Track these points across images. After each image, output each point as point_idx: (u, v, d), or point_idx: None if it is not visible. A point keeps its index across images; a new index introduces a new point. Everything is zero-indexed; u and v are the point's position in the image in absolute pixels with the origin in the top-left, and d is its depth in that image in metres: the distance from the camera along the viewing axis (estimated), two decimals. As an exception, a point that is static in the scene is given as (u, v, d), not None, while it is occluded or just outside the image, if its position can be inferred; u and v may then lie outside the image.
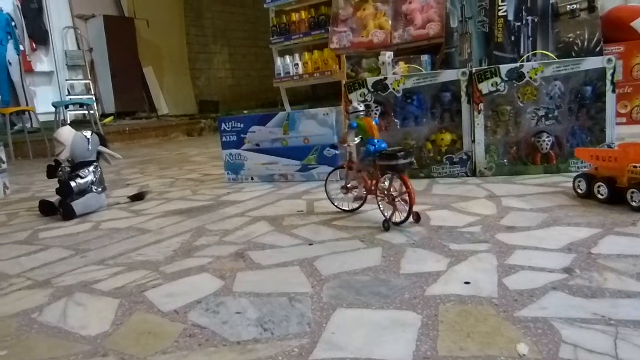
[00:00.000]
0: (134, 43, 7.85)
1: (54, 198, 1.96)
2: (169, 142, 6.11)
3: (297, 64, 4.58)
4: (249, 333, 0.82)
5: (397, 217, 1.31)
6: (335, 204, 1.57)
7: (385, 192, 1.33)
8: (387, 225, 1.30)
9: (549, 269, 0.96)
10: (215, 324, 0.86)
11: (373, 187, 1.38)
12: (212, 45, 9.32)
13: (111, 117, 7.29)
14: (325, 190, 1.61)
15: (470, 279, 0.94)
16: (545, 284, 0.89)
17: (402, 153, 1.26)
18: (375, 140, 1.35)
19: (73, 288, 1.11)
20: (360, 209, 1.55)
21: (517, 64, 1.89)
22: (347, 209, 1.55)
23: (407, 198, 1.26)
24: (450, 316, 0.80)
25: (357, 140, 1.41)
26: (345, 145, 1.44)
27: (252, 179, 2.27)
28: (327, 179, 1.60)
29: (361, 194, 1.47)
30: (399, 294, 0.90)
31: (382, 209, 1.35)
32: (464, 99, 1.91)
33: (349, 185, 1.49)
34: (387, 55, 2.78)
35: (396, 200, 1.30)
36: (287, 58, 4.67)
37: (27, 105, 5.98)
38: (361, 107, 1.40)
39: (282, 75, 4.65)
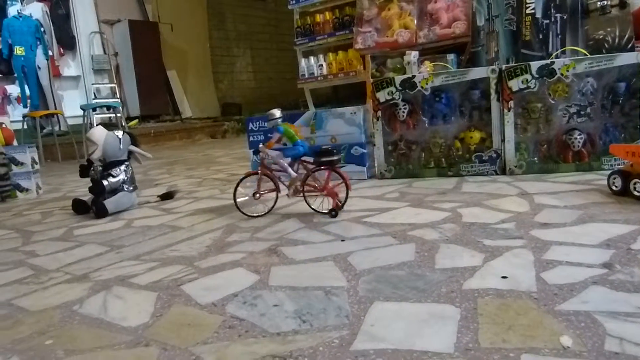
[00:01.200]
0: (158, 47, 7.99)
1: (87, 197, 2.01)
2: (194, 145, 6.19)
3: (322, 65, 4.59)
4: (288, 325, 0.82)
5: (329, 206, 1.52)
6: (244, 210, 1.66)
7: (317, 186, 1.52)
8: (335, 212, 1.50)
9: (588, 264, 0.94)
10: (254, 315, 0.87)
11: (300, 186, 1.54)
12: (235, 49, 9.42)
13: (136, 121, 7.42)
14: (235, 198, 1.68)
15: (508, 274, 0.93)
16: (585, 278, 0.88)
17: (335, 150, 1.50)
18: (300, 142, 1.56)
19: (111, 282, 1.14)
20: (389, 208, 1.55)
21: (548, 61, 1.87)
22: (257, 215, 1.66)
23: (342, 188, 1.49)
24: (490, 309, 0.80)
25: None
26: (264, 151, 1.60)
27: (279, 178, 2.28)
28: (237, 187, 1.67)
29: (298, 188, 1.57)
30: (436, 288, 0.90)
31: (309, 203, 1.57)
32: (493, 96, 1.89)
33: (261, 192, 1.63)
34: (413, 55, 2.77)
35: (335, 190, 1.50)
36: (312, 59, 4.69)
37: (55, 109, 6.13)
38: (278, 114, 1.55)
39: (306, 76, 4.67)
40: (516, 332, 0.72)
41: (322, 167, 1.50)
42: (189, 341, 0.81)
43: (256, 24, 9.59)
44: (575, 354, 0.65)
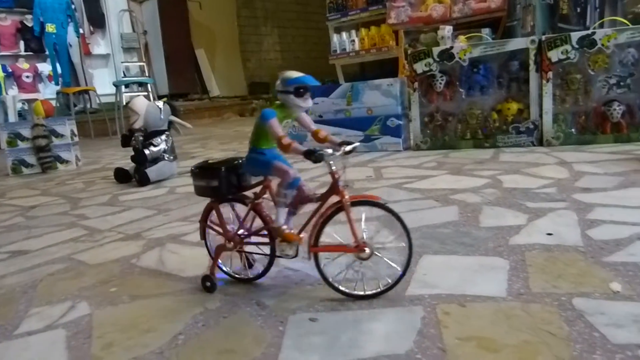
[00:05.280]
0: (187, 25, 8.02)
1: (128, 167, 2.07)
2: (223, 122, 6.27)
3: (354, 41, 4.56)
4: (342, 274, 0.86)
5: None
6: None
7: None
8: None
9: (632, 222, 0.96)
10: (308, 267, 0.90)
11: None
12: (263, 27, 9.41)
13: (165, 99, 7.52)
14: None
15: (553, 231, 0.96)
16: (630, 235, 0.90)
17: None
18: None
19: (164, 240, 1.20)
20: (427, 176, 1.56)
21: (589, 31, 1.84)
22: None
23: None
24: (539, 261, 0.83)
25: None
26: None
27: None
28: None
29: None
30: (483, 243, 0.93)
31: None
32: (532, 67, 1.88)
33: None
34: (447, 30, 2.75)
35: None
36: (344, 34, 4.66)
37: (86, 86, 6.25)
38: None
39: (338, 52, 4.66)
40: (566, 280, 0.75)
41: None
42: (248, 287, 0.86)
43: (284, 2, 9.54)
44: (625, 297, 0.68)
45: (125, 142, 2.11)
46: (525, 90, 1.90)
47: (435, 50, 2.02)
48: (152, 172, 1.99)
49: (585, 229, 0.96)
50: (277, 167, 0.77)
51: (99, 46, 7.74)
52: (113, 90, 5.97)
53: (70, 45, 6.31)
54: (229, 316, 0.77)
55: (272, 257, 0.83)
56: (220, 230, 0.86)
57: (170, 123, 2.11)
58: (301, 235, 0.79)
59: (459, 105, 2.02)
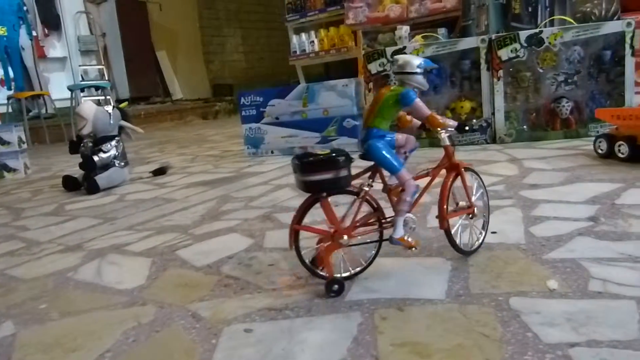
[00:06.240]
0: (147, 27, 7.86)
1: (77, 174, 2.00)
2: (185, 126, 6.15)
3: (313, 41, 4.55)
4: (283, 281, 0.84)
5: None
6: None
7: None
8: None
9: (574, 218, 0.97)
10: (249, 274, 0.89)
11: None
12: (226, 29, 9.30)
13: (126, 103, 7.31)
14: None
15: (497, 229, 0.95)
16: (572, 230, 0.90)
17: None
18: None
19: (105, 250, 1.14)
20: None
21: (537, 30, 1.87)
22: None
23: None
24: (480, 260, 0.82)
25: None
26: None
27: (272, 152, 2.30)
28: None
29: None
30: (428, 244, 0.92)
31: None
32: (483, 66, 1.90)
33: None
34: (404, 30, 2.76)
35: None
36: (303, 35, 4.64)
37: (41, 90, 6.03)
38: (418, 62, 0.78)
39: (298, 53, 4.63)
40: (505, 279, 0.74)
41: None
42: (185, 299, 0.82)
43: (246, 2, 9.45)
44: (561, 294, 0.68)
45: (74, 148, 2.03)
46: (478, 88, 1.92)
47: (389, 50, 2.02)
48: (101, 179, 1.92)
49: (529, 226, 0.96)
50: (403, 175, 0.77)
51: (55, 49, 7.49)
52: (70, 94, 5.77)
53: (23, 49, 6.08)
54: (161, 330, 0.73)
55: (380, 244, 0.81)
56: (327, 227, 0.79)
57: (121, 128, 2.05)
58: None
59: (413, 104, 2.02)
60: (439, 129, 0.80)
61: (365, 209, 0.79)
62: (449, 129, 0.81)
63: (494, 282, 0.74)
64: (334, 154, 0.74)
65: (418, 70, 0.75)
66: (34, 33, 6.18)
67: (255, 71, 9.59)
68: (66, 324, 0.79)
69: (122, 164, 2.02)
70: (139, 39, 7.67)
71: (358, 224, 0.78)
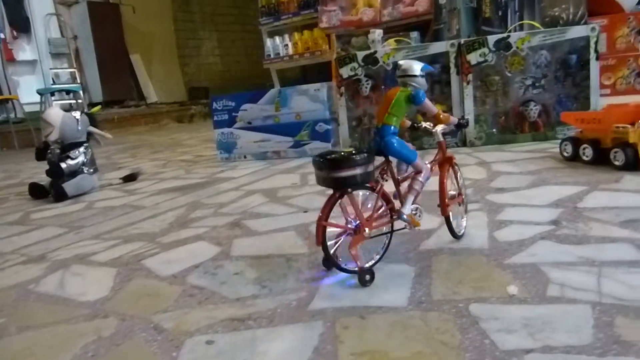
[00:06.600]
0: (120, 30, 7.74)
1: (45, 181, 1.95)
2: (160, 129, 6.08)
3: (287, 45, 4.55)
4: (248, 290, 0.83)
5: None
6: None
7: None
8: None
9: (537, 222, 0.98)
10: (214, 284, 0.88)
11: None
12: (201, 32, 9.23)
13: (99, 107, 7.18)
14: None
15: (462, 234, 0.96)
16: (534, 234, 0.92)
17: None
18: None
19: (69, 261, 1.12)
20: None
21: (505, 34, 1.91)
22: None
23: None
24: (443, 266, 0.83)
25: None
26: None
27: (245, 157, 2.28)
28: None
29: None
30: (394, 250, 0.92)
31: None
32: (453, 70, 1.93)
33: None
34: (377, 33, 2.78)
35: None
36: (277, 39, 4.64)
37: (10, 95, 5.89)
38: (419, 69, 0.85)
39: (272, 56, 4.62)
40: (466, 285, 0.75)
41: None
42: (148, 311, 0.81)
43: (222, 5, 9.39)
44: (520, 300, 0.68)
45: (40, 155, 1.98)
46: (448, 92, 1.94)
47: (360, 55, 2.03)
48: (69, 186, 1.88)
49: (493, 230, 0.97)
50: (419, 163, 0.85)
51: (24, 52, 7.31)
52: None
53: (-10, 51, 5.93)
54: (122, 343, 0.72)
55: (392, 235, 0.86)
56: (351, 220, 0.82)
57: (90, 134, 2.01)
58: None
59: (385, 108, 2.03)
60: (439, 125, 0.92)
61: (379, 202, 0.83)
62: (452, 124, 0.93)
63: (456, 289, 0.74)
64: (360, 151, 0.78)
65: (420, 73, 0.83)
66: (2, 35, 6.03)
67: (232, 74, 9.53)
68: (24, 339, 0.77)
69: (91, 170, 1.98)
70: (112, 41, 7.55)
71: (376, 217, 0.82)
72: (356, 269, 0.80)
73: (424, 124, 0.93)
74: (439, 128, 0.93)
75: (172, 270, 0.97)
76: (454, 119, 0.93)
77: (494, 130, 1.93)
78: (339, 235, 0.82)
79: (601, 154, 1.37)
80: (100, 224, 1.44)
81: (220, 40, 9.53)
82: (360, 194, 0.82)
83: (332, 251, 0.80)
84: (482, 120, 1.93)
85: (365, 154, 0.78)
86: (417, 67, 0.83)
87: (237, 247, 1.07)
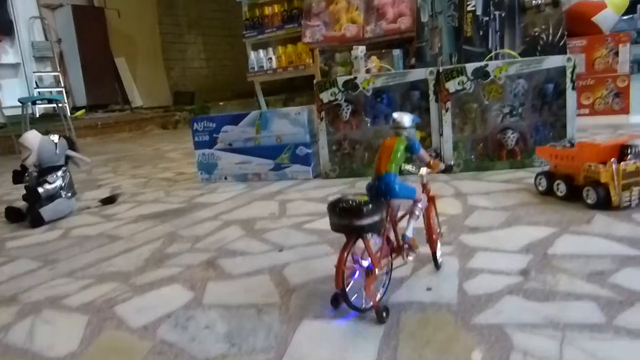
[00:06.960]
0: (104, 34, 7.67)
1: (22, 203, 1.93)
2: (144, 136, 6.02)
3: (271, 58, 4.56)
4: (217, 349, 0.83)
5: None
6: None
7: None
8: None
9: (507, 271, 1.00)
10: (184, 340, 0.88)
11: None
12: (187, 35, 9.18)
13: (82, 111, 7.14)
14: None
15: (432, 285, 0.97)
16: (502, 287, 0.93)
17: None
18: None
19: (41, 304, 1.11)
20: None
21: (483, 63, 1.93)
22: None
23: None
24: (412, 324, 0.83)
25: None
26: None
27: (225, 178, 2.28)
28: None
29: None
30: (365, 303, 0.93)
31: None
32: (432, 97, 1.94)
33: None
34: (360, 50, 2.79)
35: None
36: (261, 52, 4.65)
37: (-9, 99, 5.80)
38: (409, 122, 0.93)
39: (256, 69, 4.62)
40: (432, 348, 0.76)
41: None
42: (117, 368, 0.80)
43: (208, 9, 9.34)
44: (482, 371, 0.69)
45: (17, 178, 1.96)
46: (427, 119, 1.96)
47: (340, 80, 2.03)
48: (46, 211, 1.86)
49: (463, 281, 0.98)
50: (419, 192, 0.98)
51: (7, 55, 7.22)
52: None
53: (-28, 55, 5.84)
54: (87, 411, 0.71)
55: (391, 272, 0.95)
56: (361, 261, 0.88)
57: (68, 157, 1.99)
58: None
59: (365, 133, 2.05)
60: (423, 169, 1.03)
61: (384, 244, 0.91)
62: (440, 169, 1.05)
63: (422, 351, 0.75)
64: (374, 200, 0.85)
65: (410, 124, 0.93)
66: (-17, 39, 5.94)
67: (218, 79, 9.49)
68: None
69: (69, 194, 1.96)
70: (96, 45, 7.48)
71: (380, 257, 0.89)
72: (371, 306, 0.86)
73: (407, 167, 1.01)
74: (424, 171, 1.03)
75: (143, 320, 0.97)
76: (442, 165, 1.04)
77: (472, 156, 1.95)
78: (349, 276, 0.88)
79: (574, 190, 1.39)
80: (74, 257, 1.42)
81: (206, 44, 9.49)
82: (369, 236, 0.87)
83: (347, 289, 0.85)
84: (461, 147, 1.95)
85: (381, 202, 0.86)
86: (407, 119, 0.93)
87: (209, 293, 1.07)
